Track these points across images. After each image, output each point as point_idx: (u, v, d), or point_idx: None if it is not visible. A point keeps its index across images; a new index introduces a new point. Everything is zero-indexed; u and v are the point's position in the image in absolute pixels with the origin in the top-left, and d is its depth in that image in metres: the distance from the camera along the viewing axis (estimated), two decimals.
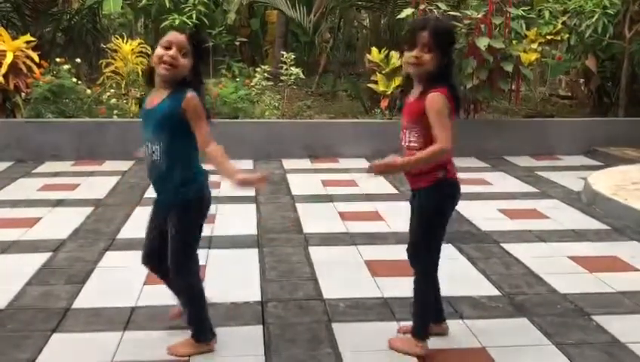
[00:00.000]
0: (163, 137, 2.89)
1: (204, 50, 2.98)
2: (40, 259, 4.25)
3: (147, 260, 3.19)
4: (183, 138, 2.86)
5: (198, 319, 3.03)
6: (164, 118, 2.85)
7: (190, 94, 2.81)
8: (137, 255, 4.33)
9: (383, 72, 8.39)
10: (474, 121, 8.35)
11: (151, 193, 5.93)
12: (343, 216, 5.32)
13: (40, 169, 7.05)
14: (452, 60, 2.91)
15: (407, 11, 7.79)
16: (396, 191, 6.12)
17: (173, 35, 2.82)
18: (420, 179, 3.05)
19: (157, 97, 2.89)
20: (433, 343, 3.15)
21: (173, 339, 3.16)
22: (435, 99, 2.82)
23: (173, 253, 2.95)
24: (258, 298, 3.66)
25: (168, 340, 3.16)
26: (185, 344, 3.05)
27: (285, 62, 8.78)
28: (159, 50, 2.80)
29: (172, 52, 2.77)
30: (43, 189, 6.15)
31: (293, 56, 8.88)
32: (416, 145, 2.93)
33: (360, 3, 10.89)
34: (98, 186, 6.24)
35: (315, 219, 5.22)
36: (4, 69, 7.58)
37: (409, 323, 3.15)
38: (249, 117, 8.14)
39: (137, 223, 5.09)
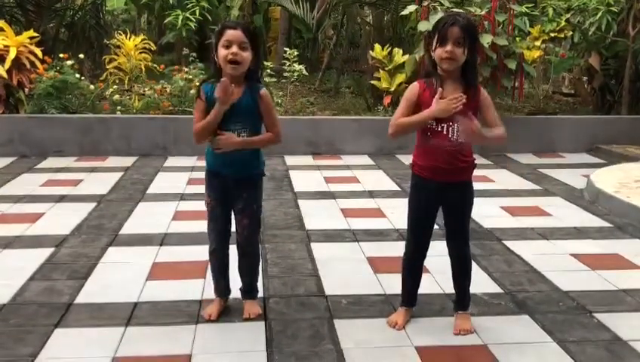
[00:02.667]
0: (249, 125, 3.17)
1: (258, 37, 3.22)
2: (43, 254, 4.27)
3: (221, 243, 3.38)
4: (260, 124, 3.24)
5: (257, 279, 3.50)
6: (249, 109, 3.15)
7: (264, 91, 3.19)
8: (140, 251, 4.39)
9: (386, 68, 8.39)
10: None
11: (154, 188, 5.99)
12: (345, 212, 5.33)
13: (43, 164, 7.06)
14: (476, 57, 3.08)
15: (411, 8, 7.78)
16: (398, 188, 6.13)
17: (230, 34, 3.04)
18: (467, 171, 3.18)
19: (234, 91, 3.09)
20: (434, 340, 3.16)
21: (175, 334, 3.17)
22: (487, 94, 3.19)
23: (253, 223, 3.33)
24: (260, 294, 3.65)
25: (170, 335, 3.17)
26: (255, 304, 3.43)
27: (288, 59, 8.78)
28: (222, 51, 3.05)
29: (234, 49, 3.03)
30: (46, 185, 6.17)
31: (296, 53, 8.88)
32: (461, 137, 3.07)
33: (363, 0, 10.88)
34: (101, 182, 6.25)
35: (317, 216, 5.22)
36: (7, 65, 7.59)
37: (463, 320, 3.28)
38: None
39: (140, 219, 5.10)
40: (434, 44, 2.99)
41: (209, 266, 3.53)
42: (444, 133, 3.05)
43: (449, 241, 3.29)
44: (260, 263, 3.58)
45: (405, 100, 3.09)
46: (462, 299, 3.31)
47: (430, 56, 3.06)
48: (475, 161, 3.22)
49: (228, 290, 3.46)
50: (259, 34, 3.10)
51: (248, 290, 3.46)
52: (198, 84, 3.24)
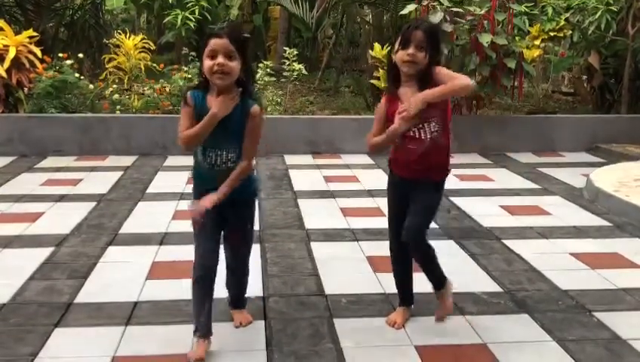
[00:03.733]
0: (238, 144, 2.95)
1: (247, 44, 2.94)
2: (43, 253, 4.27)
3: (211, 271, 3.00)
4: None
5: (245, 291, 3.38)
6: (237, 125, 2.92)
7: (255, 108, 2.94)
8: (140, 250, 4.39)
9: (386, 67, 8.38)
10: (476, 117, 8.34)
11: (154, 188, 5.99)
12: (345, 211, 5.33)
13: (43, 164, 7.06)
14: (438, 62, 3.07)
15: (410, 7, 7.78)
16: None
17: (215, 43, 2.80)
18: (438, 171, 3.17)
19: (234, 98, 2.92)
20: (434, 339, 3.17)
21: (175, 334, 3.17)
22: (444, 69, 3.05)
23: (246, 243, 3.21)
24: (260, 293, 3.67)
25: (170, 335, 3.17)
26: (245, 312, 3.35)
27: (288, 58, 8.78)
28: (207, 62, 2.81)
29: (220, 59, 2.79)
30: (46, 184, 6.17)
31: (295, 52, 8.88)
32: (439, 129, 3.06)
33: None
34: (101, 181, 6.25)
35: (316, 215, 5.22)
36: (7, 64, 7.59)
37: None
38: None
39: (140, 218, 5.11)
40: (396, 47, 3.01)
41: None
42: (417, 136, 3.06)
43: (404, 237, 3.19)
44: (261, 263, 3.58)
45: (375, 118, 3.20)
46: (436, 282, 3.28)
47: (391, 59, 3.09)
48: (450, 168, 3.20)
49: (210, 330, 3.00)
50: (248, 41, 2.83)
51: (235, 302, 3.35)
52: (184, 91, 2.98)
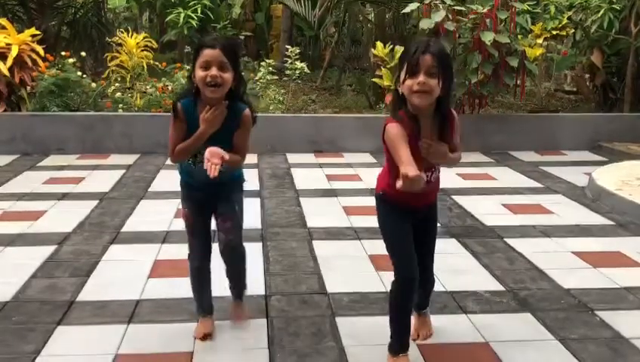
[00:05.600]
0: (229, 147, 2.95)
1: (239, 55, 2.98)
2: (45, 251, 4.27)
3: (203, 260, 3.16)
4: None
5: (245, 284, 3.33)
6: (231, 132, 2.97)
7: (246, 112, 2.98)
8: (142, 248, 4.39)
9: (388, 66, 8.37)
10: (479, 115, 8.33)
11: (156, 186, 5.99)
12: (347, 210, 5.33)
13: (45, 162, 7.07)
14: (452, 89, 2.72)
15: (412, 6, 7.76)
16: None
17: (208, 54, 2.81)
18: (434, 193, 2.95)
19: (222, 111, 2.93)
20: (436, 338, 3.17)
21: (177, 332, 3.18)
22: (457, 118, 2.80)
23: (236, 226, 3.12)
24: (262, 291, 3.67)
25: (173, 333, 3.18)
26: (243, 306, 3.32)
27: (290, 57, 8.77)
28: (200, 73, 2.81)
29: (213, 72, 2.80)
30: (48, 182, 6.17)
31: (298, 51, 8.87)
32: (437, 175, 2.86)
33: None
34: (103, 180, 6.26)
35: (319, 214, 5.22)
36: (9, 63, 7.60)
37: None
38: (253, 111, 8.14)
39: (142, 217, 5.11)
40: (402, 75, 2.60)
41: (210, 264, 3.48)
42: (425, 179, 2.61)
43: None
44: (263, 261, 3.58)
45: (399, 140, 2.58)
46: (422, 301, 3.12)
47: (397, 91, 2.68)
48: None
49: (212, 308, 3.23)
50: (239, 51, 2.83)
51: (237, 291, 3.32)
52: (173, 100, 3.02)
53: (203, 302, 3.20)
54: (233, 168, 3.00)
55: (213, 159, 2.79)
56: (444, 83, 2.59)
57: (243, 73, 3.06)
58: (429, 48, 2.56)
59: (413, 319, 3.00)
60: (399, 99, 2.68)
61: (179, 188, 3.22)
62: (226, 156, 2.83)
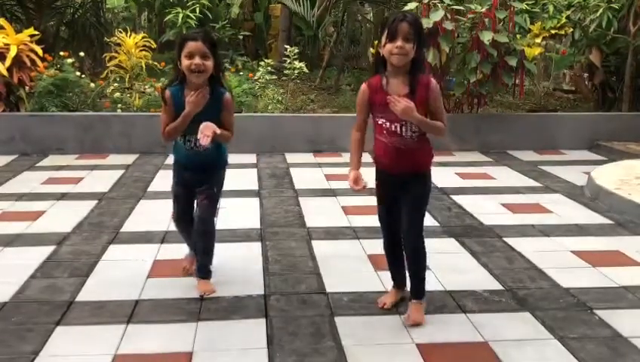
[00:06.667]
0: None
1: (217, 46, 3.49)
2: (44, 252, 4.27)
3: (183, 219, 3.75)
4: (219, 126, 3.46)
5: (210, 260, 3.73)
6: (213, 113, 3.43)
7: (227, 96, 3.51)
8: (141, 248, 4.40)
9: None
10: (477, 115, 8.33)
11: (155, 186, 5.99)
12: (346, 210, 5.33)
13: (44, 162, 7.06)
14: (424, 53, 3.27)
15: (411, 5, 7.76)
16: None
17: (191, 45, 3.32)
18: (420, 163, 3.28)
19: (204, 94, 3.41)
20: (435, 337, 3.17)
21: (176, 332, 3.18)
22: (437, 86, 3.18)
23: (212, 203, 3.63)
24: (261, 291, 3.67)
25: (172, 333, 3.18)
26: (208, 283, 3.67)
27: (289, 56, 8.77)
28: (185, 61, 3.33)
29: (197, 60, 3.32)
30: (47, 182, 6.17)
31: (296, 50, 8.87)
32: (417, 132, 3.21)
33: None
34: (102, 180, 6.26)
35: (318, 213, 5.22)
36: (8, 63, 7.59)
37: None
38: (252, 111, 8.15)
39: (141, 216, 5.11)
40: (383, 40, 3.08)
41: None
42: (399, 132, 3.21)
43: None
44: (262, 261, 3.58)
45: (357, 108, 3.36)
46: (414, 288, 3.35)
47: (378, 53, 3.18)
48: (433, 155, 3.34)
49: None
50: (217, 42, 3.56)
51: (202, 270, 3.68)
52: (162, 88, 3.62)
53: (188, 243, 3.88)
54: (224, 141, 3.53)
55: (205, 130, 3.31)
56: (417, 46, 3.07)
57: (221, 61, 3.59)
58: (406, 17, 3.06)
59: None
60: (380, 60, 3.18)
61: None
62: (218, 130, 3.34)
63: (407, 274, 3.39)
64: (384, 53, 3.10)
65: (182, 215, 3.74)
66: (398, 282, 3.50)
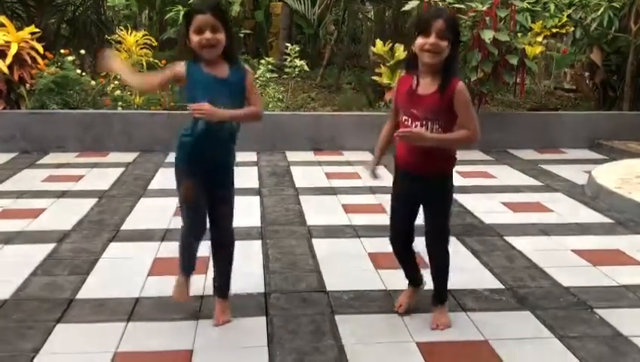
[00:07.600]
0: (237, 103, 3.10)
1: (228, 16, 3.19)
2: (44, 249, 4.27)
3: (202, 231, 3.31)
4: (244, 102, 3.13)
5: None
6: (238, 85, 3.10)
7: (247, 67, 3.17)
8: (141, 246, 4.40)
9: (388, 64, 8.38)
10: (478, 113, 8.30)
11: (155, 184, 5.99)
12: (347, 208, 5.33)
13: (44, 160, 7.06)
14: (458, 53, 3.09)
15: (413, 3, 7.75)
16: None
17: (200, 19, 2.95)
18: (439, 165, 3.12)
19: (218, 70, 3.07)
20: (435, 336, 3.17)
21: (177, 330, 3.18)
22: (465, 90, 2.98)
23: (231, 211, 3.29)
24: (261, 289, 3.67)
25: (172, 331, 3.18)
26: (226, 308, 3.35)
27: (289, 55, 8.77)
28: (195, 37, 2.97)
29: (207, 35, 2.96)
30: (47, 180, 6.17)
31: (297, 49, 8.86)
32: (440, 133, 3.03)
33: None
34: (102, 177, 6.26)
35: (318, 212, 5.22)
36: (8, 60, 7.58)
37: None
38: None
39: (142, 214, 5.11)
40: (416, 35, 2.94)
41: (210, 261, 3.50)
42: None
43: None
44: (262, 259, 3.58)
45: (392, 96, 3.23)
46: (438, 294, 3.32)
47: (410, 50, 3.04)
48: (456, 157, 3.19)
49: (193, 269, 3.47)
50: (226, 11, 3.12)
51: (226, 286, 3.37)
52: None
53: (190, 263, 3.43)
54: (252, 120, 3.16)
55: (204, 106, 2.93)
56: (452, 45, 2.90)
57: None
58: (442, 14, 2.90)
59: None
60: (411, 57, 3.02)
61: None
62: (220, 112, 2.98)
63: (430, 277, 3.35)
64: (415, 49, 2.94)
65: (200, 227, 3.29)
66: (413, 280, 3.44)
